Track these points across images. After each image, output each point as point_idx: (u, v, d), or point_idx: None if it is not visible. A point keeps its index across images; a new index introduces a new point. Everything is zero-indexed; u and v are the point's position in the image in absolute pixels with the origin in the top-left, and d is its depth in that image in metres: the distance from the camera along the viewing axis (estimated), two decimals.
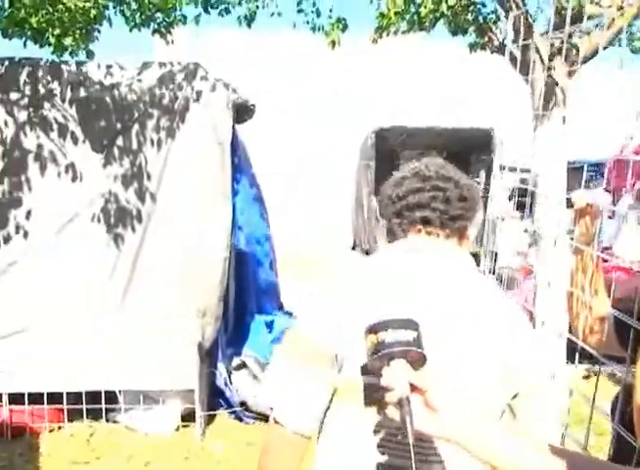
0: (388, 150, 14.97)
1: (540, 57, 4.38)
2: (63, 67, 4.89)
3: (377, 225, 13.97)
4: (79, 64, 4.96)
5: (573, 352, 2.40)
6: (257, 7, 5.95)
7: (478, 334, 1.57)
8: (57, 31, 4.70)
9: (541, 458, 1.22)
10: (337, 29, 5.78)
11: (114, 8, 5.31)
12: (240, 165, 5.71)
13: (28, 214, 4.87)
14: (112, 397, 5.09)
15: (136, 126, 4.94)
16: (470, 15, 4.87)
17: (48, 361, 4.85)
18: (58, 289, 4.87)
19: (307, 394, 1.60)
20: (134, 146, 4.95)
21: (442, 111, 14.29)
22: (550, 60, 4.36)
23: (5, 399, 4.93)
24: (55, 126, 4.88)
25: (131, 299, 4.95)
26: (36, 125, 4.85)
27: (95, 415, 5.10)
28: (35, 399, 4.93)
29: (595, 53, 4.30)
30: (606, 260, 6.61)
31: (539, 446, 1.25)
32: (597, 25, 4.38)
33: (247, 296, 6.29)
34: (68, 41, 4.76)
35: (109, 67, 4.97)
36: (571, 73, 4.45)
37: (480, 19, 4.95)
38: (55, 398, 4.95)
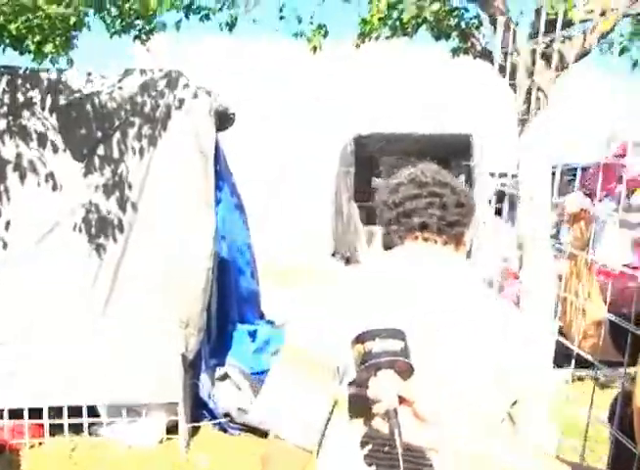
0: (368, 156, 15.00)
1: (524, 62, 4.38)
2: (42, 74, 4.81)
3: (357, 231, 13.97)
4: (59, 71, 4.88)
5: (568, 357, 2.38)
6: (239, 13, 5.89)
7: (474, 339, 1.55)
8: (37, 38, 4.61)
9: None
10: (318, 35, 5.75)
11: (95, 14, 5.23)
12: (221, 174, 5.66)
13: (8, 225, 4.78)
14: (94, 410, 5.00)
15: (117, 135, 4.87)
16: (452, 20, 4.86)
17: (28, 376, 4.74)
18: (38, 300, 4.77)
19: (308, 407, 1.56)
20: (115, 155, 4.87)
21: (425, 116, 14.33)
22: (533, 65, 4.36)
23: None
24: (34, 135, 4.79)
25: (113, 310, 4.87)
26: (15, 134, 4.76)
27: (77, 430, 5.01)
28: (15, 414, 4.82)
29: (579, 58, 4.30)
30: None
31: (538, 457, 1.22)
32: (581, 31, 4.38)
33: (228, 305, 6.22)
34: (48, 48, 4.67)
35: (89, 74, 4.90)
36: (554, 78, 4.46)
37: (463, 24, 4.94)
38: (35, 413, 4.85)
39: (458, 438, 1.26)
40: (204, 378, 5.25)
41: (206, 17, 5.89)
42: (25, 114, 4.76)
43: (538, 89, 4.36)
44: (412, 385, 1.23)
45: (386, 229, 1.77)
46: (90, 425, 5.01)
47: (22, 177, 4.77)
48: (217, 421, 5.21)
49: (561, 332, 2.40)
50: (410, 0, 4.43)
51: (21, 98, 4.75)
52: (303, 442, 1.58)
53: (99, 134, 4.88)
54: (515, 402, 1.61)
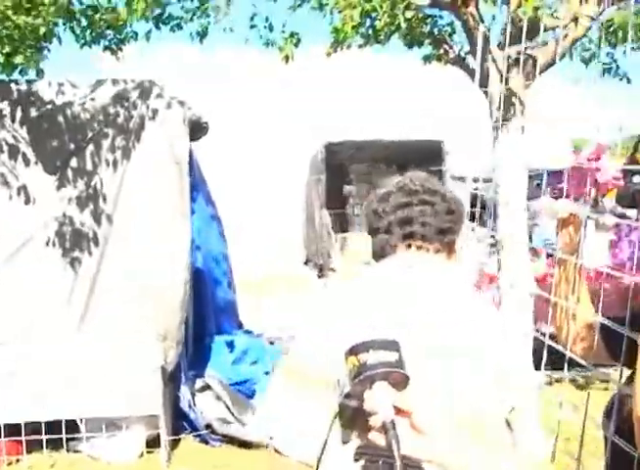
0: (338, 164, 15.03)
1: (497, 68, 4.43)
2: (12, 86, 4.75)
3: (329, 239, 13.98)
4: (29, 82, 4.82)
5: (561, 360, 2.39)
6: (209, 22, 5.88)
7: (470, 348, 1.54)
8: (6, 49, 4.56)
9: None
10: (290, 44, 5.75)
11: (64, 25, 5.18)
12: (195, 183, 5.62)
13: None
14: (72, 425, 4.91)
15: (90, 146, 4.82)
16: (425, 27, 4.89)
17: (4, 391, 4.65)
18: (12, 316, 4.68)
19: (308, 421, 1.54)
20: (89, 167, 4.82)
21: (398, 123, 14.39)
22: (507, 71, 4.41)
23: None
24: (5, 147, 4.73)
25: (90, 324, 4.80)
26: None
27: (55, 445, 4.92)
28: None
29: (551, 64, 4.35)
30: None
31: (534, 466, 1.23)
32: (553, 37, 4.43)
33: (205, 316, 6.17)
34: (18, 59, 4.62)
35: (60, 85, 4.84)
36: (527, 84, 4.51)
37: (436, 31, 4.98)
38: (13, 429, 4.75)
39: (453, 449, 1.25)
40: (183, 390, 5.19)
41: (177, 26, 5.87)
42: None
43: (512, 95, 4.41)
44: (408, 396, 1.22)
45: (376, 238, 1.76)
46: (69, 440, 4.92)
47: None
48: (198, 433, 5.15)
49: (551, 336, 2.41)
50: (384, 8, 4.44)
51: None
52: (304, 456, 1.56)
53: (72, 146, 4.82)
54: (512, 409, 1.61)
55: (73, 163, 4.81)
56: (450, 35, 5.04)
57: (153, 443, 5.00)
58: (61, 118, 4.77)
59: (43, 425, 4.77)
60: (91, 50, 5.57)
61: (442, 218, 1.71)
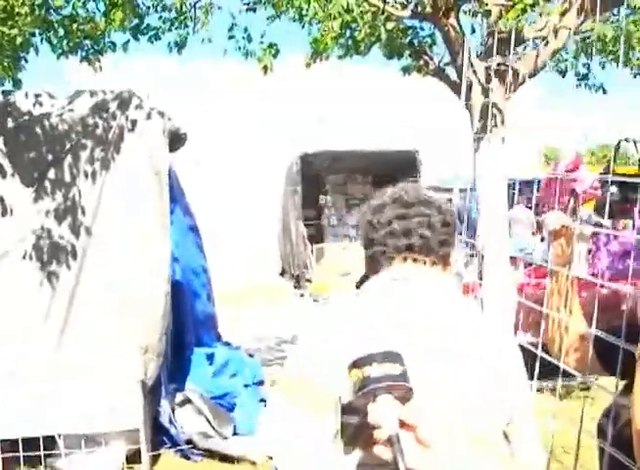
0: (314, 175, 15.05)
1: (478, 79, 4.44)
2: None
3: (305, 250, 13.96)
4: (6, 93, 4.75)
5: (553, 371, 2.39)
6: (188, 33, 5.84)
7: (470, 360, 1.53)
8: None
9: None
10: (269, 55, 5.72)
11: (41, 35, 5.11)
12: (173, 195, 5.57)
13: None
14: (50, 441, 4.82)
15: (68, 158, 4.76)
16: (406, 38, 4.90)
17: None
18: None
19: (310, 438, 1.51)
20: (67, 178, 4.76)
21: (376, 134, 14.45)
22: (487, 82, 4.42)
23: None
24: None
25: (68, 338, 4.72)
26: None
27: (33, 462, 4.82)
28: None
29: (532, 75, 4.38)
30: (542, 276, 6.74)
31: None
32: (532, 48, 4.46)
33: (185, 328, 6.11)
34: None
35: (37, 96, 4.78)
36: (507, 96, 4.53)
37: (416, 42, 4.99)
38: None
39: (458, 463, 1.24)
40: (164, 404, 5.13)
41: (155, 37, 5.81)
42: None
43: (493, 106, 4.42)
44: (413, 409, 1.20)
45: (372, 250, 1.74)
46: (47, 457, 4.82)
47: None
48: (180, 448, 5.09)
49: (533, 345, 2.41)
50: (365, 19, 4.44)
51: None
52: None
53: (49, 157, 4.76)
54: (509, 421, 1.60)
55: (51, 174, 4.74)
56: (430, 46, 5.05)
57: (133, 458, 4.92)
58: (38, 130, 4.71)
59: (20, 441, 4.68)
60: (65, 62, 5.51)
61: (439, 231, 1.70)
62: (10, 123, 4.68)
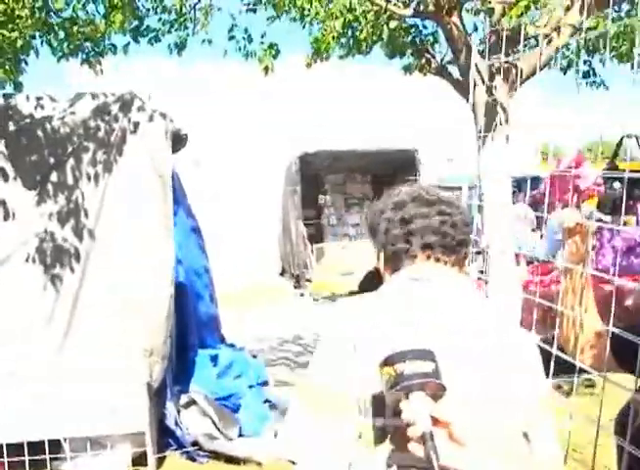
0: (314, 174, 15.04)
1: (481, 77, 4.44)
2: None
3: (306, 250, 13.95)
4: (7, 96, 4.74)
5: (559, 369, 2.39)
6: (188, 34, 5.83)
7: (495, 361, 1.52)
8: None
9: None
10: (269, 55, 5.72)
11: (41, 38, 5.10)
12: (175, 196, 5.55)
13: None
14: (56, 444, 4.80)
15: (71, 161, 4.74)
16: (407, 37, 4.90)
17: None
18: None
19: (333, 443, 1.49)
20: (69, 181, 4.74)
21: (378, 133, 14.44)
22: (491, 80, 4.43)
23: None
24: None
25: (73, 341, 4.70)
26: None
27: (38, 466, 4.80)
28: None
29: (534, 72, 4.38)
30: (545, 273, 6.75)
31: None
32: (535, 45, 4.46)
33: (188, 330, 6.08)
34: None
35: (39, 99, 4.76)
36: (510, 93, 4.53)
37: (418, 41, 4.98)
38: None
39: (490, 460, 1.24)
40: (169, 406, 5.11)
41: (155, 39, 5.81)
42: None
43: (497, 105, 4.42)
44: (445, 406, 1.20)
45: (392, 247, 1.71)
46: (52, 460, 4.81)
47: None
48: (186, 450, 5.07)
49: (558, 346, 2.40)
50: (368, 18, 4.44)
51: None
52: None
53: (51, 160, 4.74)
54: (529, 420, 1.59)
55: (54, 177, 4.72)
56: (432, 45, 5.05)
57: (138, 461, 4.91)
58: (40, 133, 4.69)
59: (25, 445, 4.66)
60: (65, 65, 5.52)
61: (460, 230, 1.68)
62: (11, 127, 4.66)
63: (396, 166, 14.38)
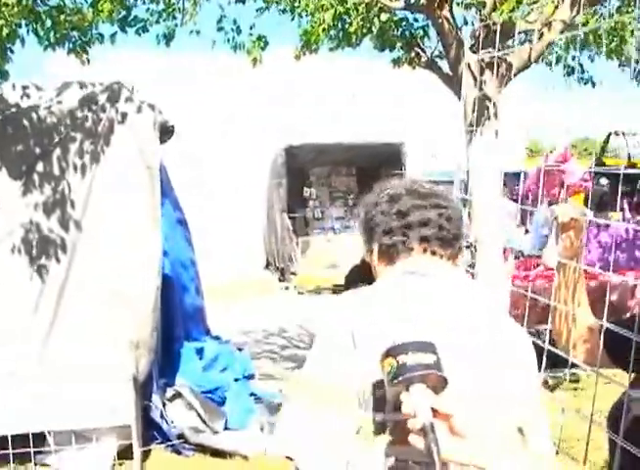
0: (299, 167, 15.00)
1: (471, 71, 4.44)
2: None
3: (291, 243, 13.93)
4: None
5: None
6: (176, 25, 5.78)
7: (487, 353, 1.51)
8: None
9: None
10: (258, 47, 5.68)
11: (27, 26, 5.03)
12: (162, 188, 5.51)
13: None
14: (40, 437, 4.76)
15: (57, 151, 4.69)
16: (398, 30, 4.88)
17: None
18: None
19: (331, 438, 1.48)
20: (56, 171, 4.69)
21: (365, 126, 14.41)
22: (481, 74, 4.42)
23: None
24: None
25: (58, 333, 4.66)
26: None
27: (23, 459, 4.76)
28: None
29: (525, 67, 4.38)
30: (530, 268, 6.78)
31: None
32: (526, 40, 4.46)
33: (174, 322, 6.06)
34: None
35: (25, 88, 4.70)
36: (500, 88, 4.53)
37: (408, 34, 4.97)
38: None
39: (489, 453, 1.24)
40: (155, 399, 5.09)
41: (143, 29, 5.75)
42: None
43: (486, 99, 4.42)
44: (447, 398, 1.20)
45: (388, 240, 1.70)
46: (37, 453, 4.77)
47: None
48: (171, 443, 5.05)
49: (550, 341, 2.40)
50: (359, 11, 4.42)
51: None
52: None
53: (37, 150, 4.69)
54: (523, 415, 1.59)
55: (40, 167, 4.67)
56: (422, 38, 5.03)
57: (124, 454, 4.88)
58: (26, 122, 4.63)
59: (9, 438, 4.62)
60: (45, 55, 5.46)
61: (455, 224, 1.68)
62: None
63: (382, 160, 14.37)
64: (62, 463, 4.81)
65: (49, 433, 4.77)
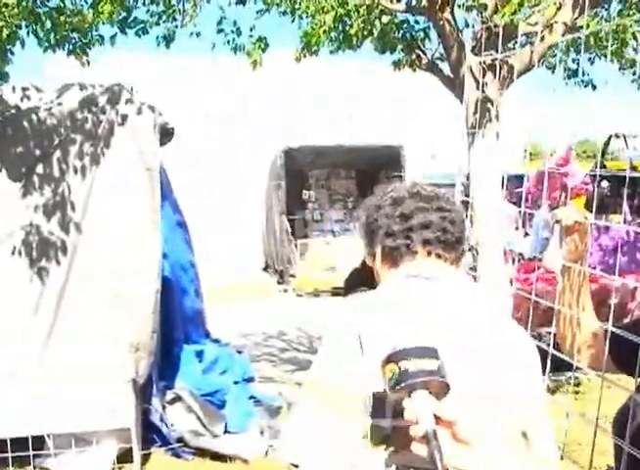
0: (298, 170, 15.00)
1: (473, 74, 4.43)
2: None
3: (290, 245, 13.92)
4: None
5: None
6: (176, 26, 5.77)
7: (489, 355, 1.50)
8: None
9: None
10: (258, 49, 5.67)
11: (27, 27, 5.02)
12: (162, 191, 5.50)
13: None
14: (39, 440, 4.73)
15: (57, 153, 4.67)
16: (399, 32, 4.87)
17: None
18: None
19: (339, 442, 1.46)
20: (56, 173, 4.67)
21: (363, 128, 14.40)
22: (483, 77, 4.41)
23: None
24: None
25: (58, 336, 4.64)
26: None
27: (22, 462, 4.73)
28: None
29: (527, 69, 4.38)
30: (530, 271, 6.76)
31: None
32: (527, 43, 4.46)
33: (174, 325, 6.03)
34: None
35: (25, 89, 4.69)
36: (501, 91, 4.53)
37: (409, 36, 4.96)
38: None
39: (493, 459, 1.22)
40: (155, 402, 5.06)
41: (143, 31, 5.74)
42: None
43: (487, 101, 4.41)
44: (449, 405, 1.18)
45: (392, 242, 1.68)
46: (36, 457, 4.74)
47: None
48: (171, 446, 5.03)
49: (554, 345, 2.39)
50: (360, 13, 4.41)
51: None
52: None
53: (37, 152, 4.67)
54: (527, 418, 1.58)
55: (40, 169, 4.66)
56: (423, 41, 5.03)
57: (124, 457, 4.86)
58: (26, 124, 4.62)
59: (9, 441, 4.60)
60: (44, 57, 5.45)
61: (458, 227, 1.67)
62: None
63: (382, 163, 14.38)
64: (61, 466, 4.78)
65: (48, 436, 4.74)
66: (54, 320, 4.63)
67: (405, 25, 4.90)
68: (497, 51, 4.03)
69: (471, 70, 4.37)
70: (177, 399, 5.35)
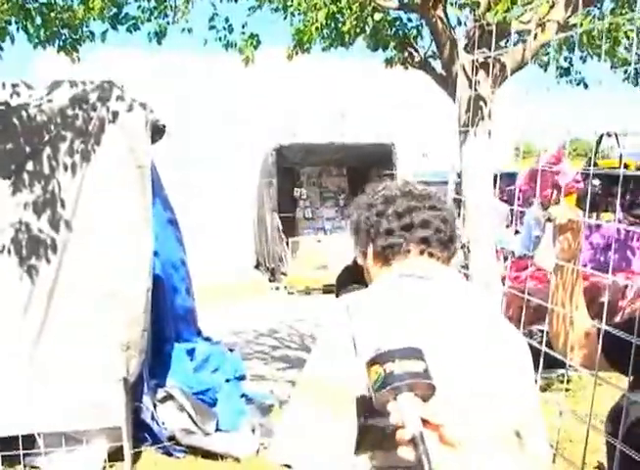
0: (289, 167, 14.98)
1: (465, 72, 4.42)
2: None
3: (281, 243, 13.90)
4: None
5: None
6: (168, 23, 5.74)
7: (482, 354, 1.49)
8: None
9: None
10: (250, 46, 5.65)
11: (17, 23, 4.98)
12: (153, 188, 5.47)
13: None
14: (30, 439, 4.71)
15: (47, 150, 4.64)
16: (391, 30, 4.86)
17: None
18: None
19: (333, 441, 1.45)
20: (46, 171, 4.64)
21: (354, 126, 14.40)
22: (475, 75, 4.40)
23: None
24: None
25: (48, 334, 4.61)
26: None
27: (11, 461, 4.71)
28: None
29: (519, 67, 4.37)
30: (521, 269, 6.77)
31: None
32: (520, 41, 4.45)
33: (165, 323, 6.01)
34: None
35: (15, 86, 4.65)
36: (494, 88, 4.52)
37: (401, 33, 4.95)
38: None
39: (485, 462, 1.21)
40: (145, 400, 5.04)
41: (134, 27, 5.70)
42: None
43: (479, 99, 4.41)
44: (436, 407, 1.16)
45: (384, 241, 1.68)
46: (26, 455, 4.72)
47: None
48: (162, 445, 5.01)
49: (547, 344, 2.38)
50: (353, 10, 4.39)
51: None
52: None
53: (27, 149, 4.64)
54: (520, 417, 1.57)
55: (29, 166, 4.62)
56: (415, 38, 5.01)
57: (114, 456, 4.84)
58: (16, 120, 4.58)
59: None
60: (35, 53, 5.41)
61: (450, 225, 1.67)
62: None
63: (373, 160, 14.37)
64: (51, 465, 4.76)
65: (38, 434, 4.72)
66: (44, 319, 4.60)
67: (398, 23, 4.89)
68: (490, 49, 4.02)
69: (463, 68, 4.36)
70: (168, 397, 5.33)
